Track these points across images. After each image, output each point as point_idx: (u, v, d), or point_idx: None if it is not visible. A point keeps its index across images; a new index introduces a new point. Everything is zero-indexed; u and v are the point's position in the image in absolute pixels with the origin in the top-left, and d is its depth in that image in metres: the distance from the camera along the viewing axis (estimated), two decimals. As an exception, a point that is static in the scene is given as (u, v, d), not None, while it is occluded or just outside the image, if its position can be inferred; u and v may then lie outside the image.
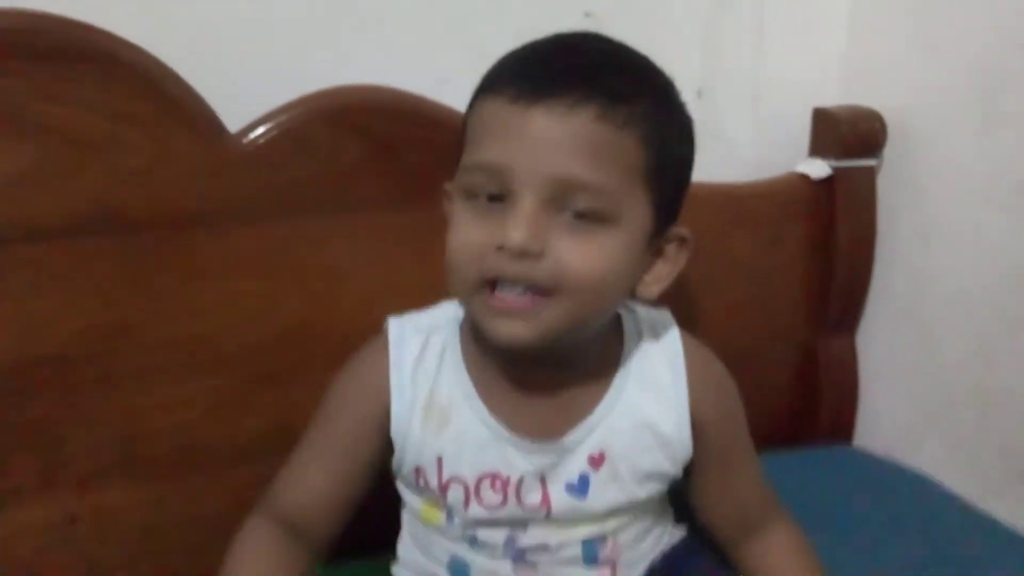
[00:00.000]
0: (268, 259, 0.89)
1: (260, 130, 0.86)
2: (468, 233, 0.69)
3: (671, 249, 0.75)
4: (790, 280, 1.17)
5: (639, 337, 0.79)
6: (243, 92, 0.87)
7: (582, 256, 0.67)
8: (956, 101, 1.08)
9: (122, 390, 0.86)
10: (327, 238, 0.91)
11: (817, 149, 1.16)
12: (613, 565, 0.80)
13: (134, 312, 0.85)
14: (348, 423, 0.76)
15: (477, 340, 0.76)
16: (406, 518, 0.84)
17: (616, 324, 0.79)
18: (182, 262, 0.86)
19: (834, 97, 1.18)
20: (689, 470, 0.82)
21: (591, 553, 0.79)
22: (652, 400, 0.78)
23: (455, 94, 0.93)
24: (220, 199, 0.86)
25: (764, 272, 1.15)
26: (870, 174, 1.16)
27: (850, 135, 1.12)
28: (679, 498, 0.88)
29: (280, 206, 0.88)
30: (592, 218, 0.67)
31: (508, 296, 0.67)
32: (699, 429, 0.79)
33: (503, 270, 0.67)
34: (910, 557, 0.97)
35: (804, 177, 1.14)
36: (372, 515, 0.88)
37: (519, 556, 0.78)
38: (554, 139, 0.66)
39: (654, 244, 0.73)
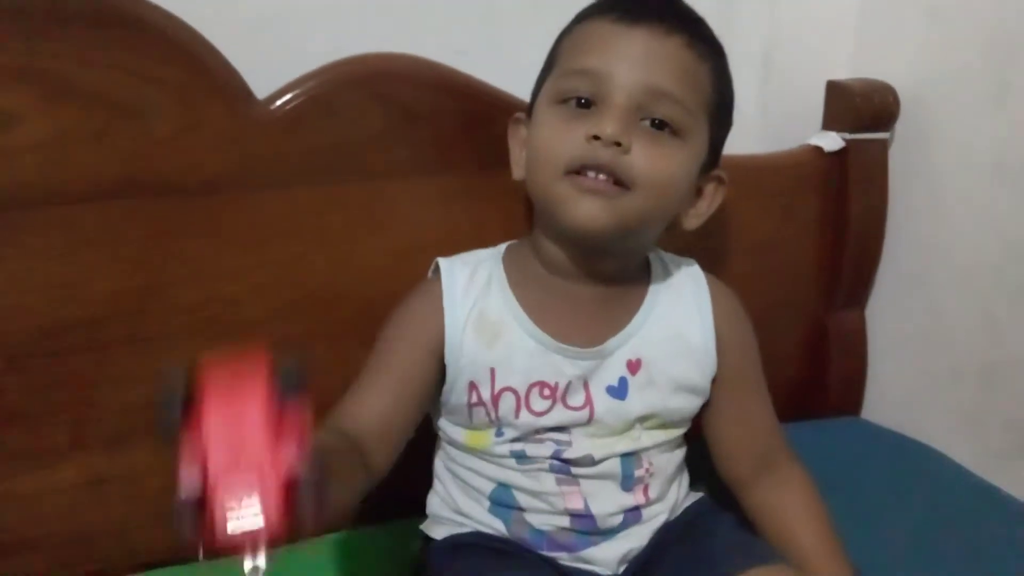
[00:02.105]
0: (294, 224, 0.90)
1: (287, 96, 0.87)
2: (559, 128, 0.78)
3: (710, 188, 0.86)
4: (801, 252, 1.18)
5: (665, 267, 0.88)
6: (270, 59, 0.87)
7: (655, 159, 0.77)
8: (968, 75, 1.09)
9: (151, 352, 0.86)
10: (352, 203, 0.92)
11: (830, 122, 1.16)
12: (645, 491, 0.84)
13: (163, 275, 0.86)
14: (405, 347, 0.81)
15: (536, 250, 0.84)
16: (443, 465, 0.87)
17: (645, 261, 0.88)
18: (210, 226, 0.87)
19: (846, 70, 1.18)
20: (709, 402, 0.88)
21: (628, 470, 0.83)
22: (681, 314, 0.86)
23: (474, 65, 0.95)
24: (248, 164, 0.87)
25: (776, 244, 1.16)
26: (882, 147, 1.17)
27: (864, 108, 1.13)
28: (693, 464, 0.91)
29: (306, 172, 0.89)
30: (667, 128, 0.78)
31: (595, 179, 0.76)
32: (722, 345, 0.86)
33: (595, 156, 0.76)
34: (915, 527, 0.99)
35: (817, 150, 1.15)
36: (401, 477, 0.90)
37: (563, 470, 0.82)
38: (651, 54, 0.78)
39: (699, 180, 0.83)
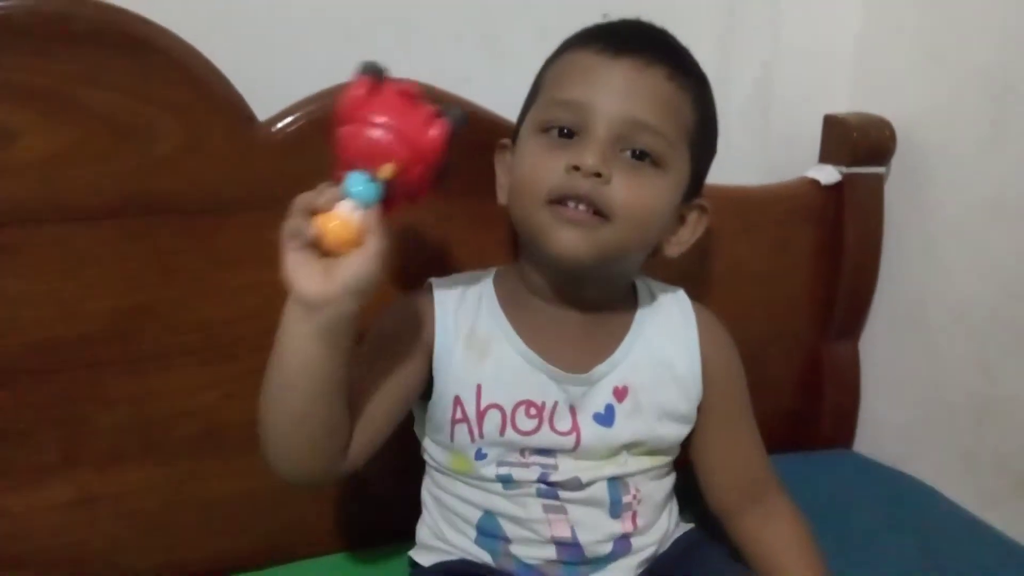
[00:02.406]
0: (292, 246, 0.90)
1: (288, 119, 0.88)
2: (541, 157, 0.79)
3: (693, 217, 0.86)
4: (796, 284, 1.19)
5: (651, 294, 0.89)
6: (272, 81, 0.88)
7: (635, 190, 0.77)
8: (963, 111, 1.10)
9: (144, 372, 0.86)
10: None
11: (827, 155, 1.17)
12: (634, 518, 0.83)
13: (159, 295, 0.86)
14: (395, 343, 0.80)
15: (522, 276, 0.85)
16: (430, 493, 0.87)
17: (631, 287, 0.89)
18: (208, 248, 0.87)
19: (843, 105, 1.19)
20: (696, 430, 0.87)
21: (616, 496, 0.83)
22: (667, 342, 0.86)
23: (478, 92, 0.95)
24: (248, 186, 0.87)
25: (771, 276, 1.17)
26: (878, 181, 1.17)
27: (860, 142, 1.14)
28: (683, 494, 0.91)
29: (306, 194, 0.89)
30: (648, 159, 0.78)
31: (575, 209, 0.76)
32: (707, 372, 0.86)
33: (575, 187, 0.76)
34: (907, 564, 0.98)
35: (813, 182, 1.16)
36: (389, 504, 0.89)
37: (551, 494, 0.81)
38: (632, 86, 0.78)
39: (682, 208, 0.84)
